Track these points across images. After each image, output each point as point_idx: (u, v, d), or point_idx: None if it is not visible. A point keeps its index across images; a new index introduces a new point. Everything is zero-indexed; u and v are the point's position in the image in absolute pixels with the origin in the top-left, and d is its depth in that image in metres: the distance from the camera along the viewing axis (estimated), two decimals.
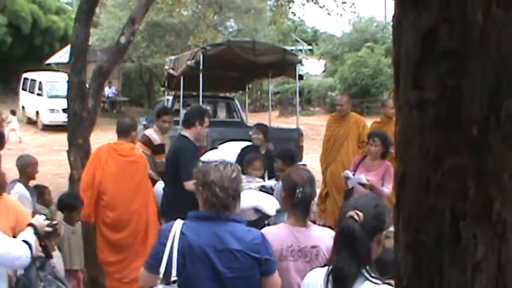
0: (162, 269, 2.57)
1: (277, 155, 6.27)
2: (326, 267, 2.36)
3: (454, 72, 0.96)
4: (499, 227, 0.96)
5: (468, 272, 0.98)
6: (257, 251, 2.65)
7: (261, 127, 7.40)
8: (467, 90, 0.95)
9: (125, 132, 5.76)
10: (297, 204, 3.15)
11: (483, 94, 0.94)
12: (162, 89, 17.10)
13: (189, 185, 4.91)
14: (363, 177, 5.71)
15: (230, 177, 2.71)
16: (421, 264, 1.03)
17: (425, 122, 1.00)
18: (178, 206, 4.28)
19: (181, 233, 2.60)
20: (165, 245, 2.57)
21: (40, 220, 3.65)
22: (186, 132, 5.37)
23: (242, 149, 7.28)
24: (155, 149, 6.41)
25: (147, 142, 6.44)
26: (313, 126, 23.29)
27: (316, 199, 9.03)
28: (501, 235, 0.97)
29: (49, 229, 3.67)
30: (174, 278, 2.55)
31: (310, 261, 3.12)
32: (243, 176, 3.45)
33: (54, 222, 3.79)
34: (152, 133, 6.58)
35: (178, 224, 2.65)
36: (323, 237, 3.17)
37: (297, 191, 3.13)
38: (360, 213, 2.28)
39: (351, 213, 2.29)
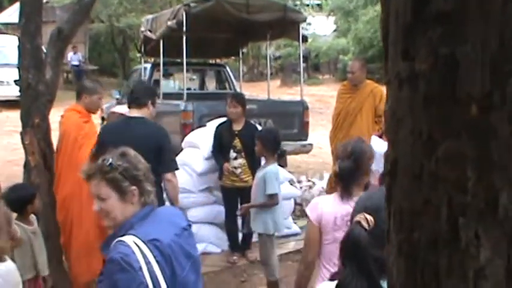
0: None
1: (257, 135, 6.26)
2: (335, 282, 2.38)
3: (450, 39, 0.95)
4: (507, 225, 0.95)
5: (469, 279, 0.98)
6: (187, 219, 3.06)
7: (239, 97, 7.42)
8: (465, 60, 0.94)
9: (77, 95, 6.16)
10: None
11: (484, 65, 0.93)
12: (138, 55, 17.02)
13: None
14: None
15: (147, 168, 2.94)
16: (415, 269, 1.04)
17: (416, 99, 0.99)
18: None
19: (148, 242, 2.60)
20: (141, 269, 2.53)
21: None
22: (142, 113, 5.31)
23: (217, 127, 7.32)
24: None
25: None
26: (322, 98, 23.33)
27: (325, 185, 9.09)
28: (509, 235, 0.96)
29: None
30: None
31: None
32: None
33: None
34: (123, 108, 6.57)
35: (129, 239, 2.61)
36: None
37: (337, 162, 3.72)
38: (370, 217, 2.25)
39: (359, 217, 2.27)
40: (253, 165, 6.91)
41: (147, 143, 4.72)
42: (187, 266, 2.75)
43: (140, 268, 2.52)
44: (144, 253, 2.55)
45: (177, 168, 5.36)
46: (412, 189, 1.03)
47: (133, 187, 2.76)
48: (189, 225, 2.96)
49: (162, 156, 5.04)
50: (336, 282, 2.42)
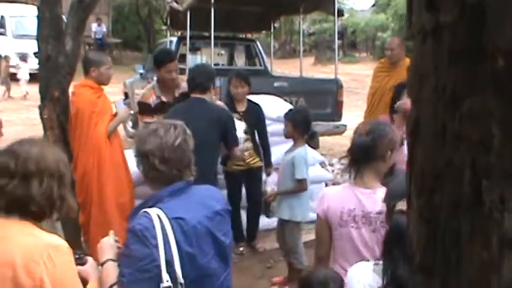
0: (165, 276, 2.54)
1: (287, 116, 6.20)
2: (370, 263, 2.57)
3: None
4: None
5: (493, 246, 0.98)
6: (227, 204, 2.99)
7: (244, 76, 7.24)
8: (493, 9, 0.93)
9: (84, 70, 6.17)
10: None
11: None
12: (164, 27, 17.06)
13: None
14: None
15: (173, 144, 2.77)
16: (436, 235, 1.04)
17: (441, 53, 0.99)
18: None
19: (172, 219, 2.60)
20: (157, 246, 2.53)
21: None
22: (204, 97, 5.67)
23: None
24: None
25: (144, 108, 6.38)
26: (358, 77, 23.19)
27: None
28: None
29: None
30: (181, 280, 2.56)
31: (376, 230, 3.30)
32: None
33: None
34: (149, 92, 6.49)
35: (154, 212, 2.61)
36: None
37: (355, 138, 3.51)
38: None
39: (401, 205, 2.36)
40: (257, 147, 6.90)
41: (214, 122, 5.44)
42: (211, 252, 2.74)
43: (156, 245, 2.53)
44: (165, 230, 2.56)
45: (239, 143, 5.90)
46: (435, 150, 1.03)
47: (138, 159, 2.80)
48: (227, 211, 2.92)
49: (230, 135, 5.63)
50: (370, 264, 2.51)
